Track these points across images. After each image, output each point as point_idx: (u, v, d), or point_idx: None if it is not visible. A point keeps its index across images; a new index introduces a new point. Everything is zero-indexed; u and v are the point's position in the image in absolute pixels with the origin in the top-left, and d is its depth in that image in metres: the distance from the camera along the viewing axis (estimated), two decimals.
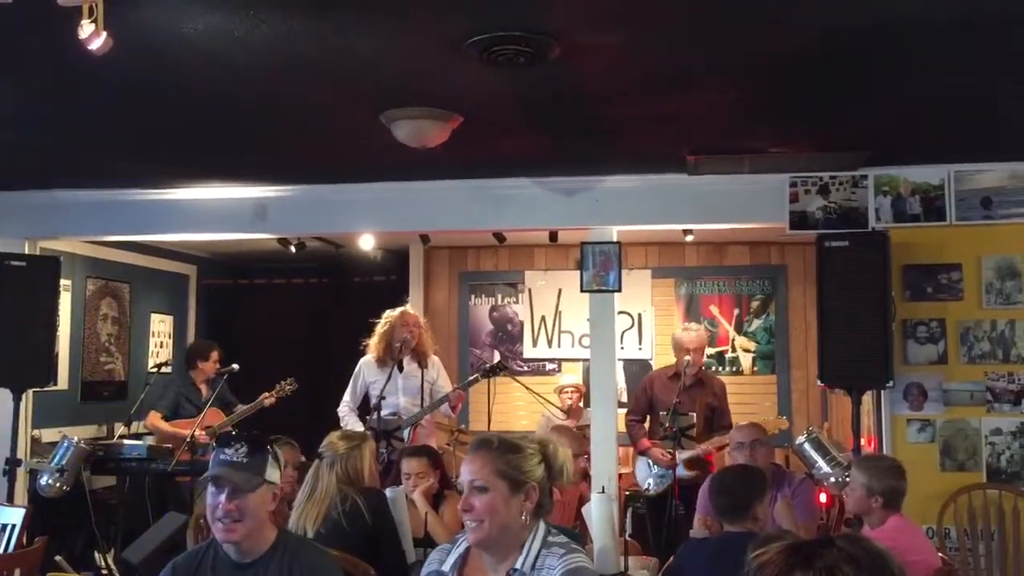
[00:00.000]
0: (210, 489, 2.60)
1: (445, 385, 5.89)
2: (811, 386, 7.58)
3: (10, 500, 5.24)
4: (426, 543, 4.00)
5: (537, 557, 2.25)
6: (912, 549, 3.46)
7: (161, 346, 8.41)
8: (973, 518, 4.90)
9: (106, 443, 6.66)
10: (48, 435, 6.52)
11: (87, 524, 5.84)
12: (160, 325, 8.44)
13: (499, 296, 8.29)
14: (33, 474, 5.77)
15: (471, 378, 6.07)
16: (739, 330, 7.89)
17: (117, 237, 6.67)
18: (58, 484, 5.20)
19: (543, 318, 8.16)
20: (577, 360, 7.92)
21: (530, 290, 8.19)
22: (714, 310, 7.92)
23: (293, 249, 7.49)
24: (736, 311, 7.90)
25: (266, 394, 6.68)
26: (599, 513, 3.51)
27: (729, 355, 7.86)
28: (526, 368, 8.03)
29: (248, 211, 5.87)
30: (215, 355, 6.91)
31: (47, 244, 6.26)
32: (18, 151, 5.04)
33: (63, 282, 6.14)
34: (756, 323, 7.88)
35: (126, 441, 6.60)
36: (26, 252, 5.95)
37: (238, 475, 2.58)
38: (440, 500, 4.33)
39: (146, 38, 3.23)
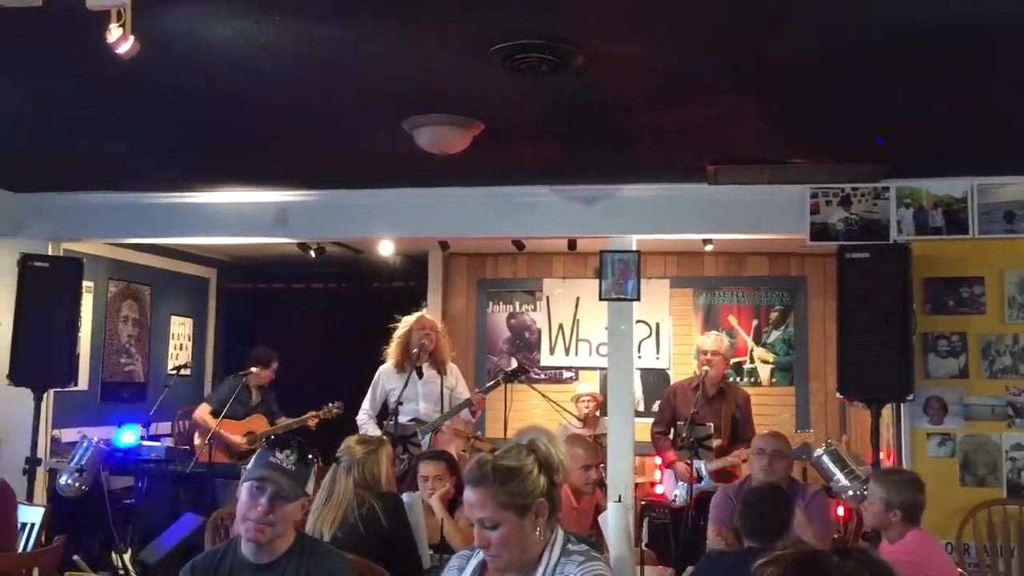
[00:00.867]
0: (249, 488, 2.55)
1: (464, 392, 5.89)
2: (829, 398, 7.53)
3: (30, 499, 5.28)
4: (442, 548, 4.00)
5: (556, 565, 2.24)
6: (931, 564, 3.43)
7: (181, 348, 8.47)
8: (993, 534, 4.85)
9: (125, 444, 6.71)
10: (68, 435, 6.57)
11: (105, 524, 5.88)
12: (180, 328, 8.50)
13: (517, 303, 8.29)
14: (52, 473, 5.82)
15: (492, 382, 6.07)
16: (757, 341, 7.86)
17: (139, 240, 6.73)
18: (77, 484, 5.24)
19: (561, 326, 8.15)
20: (594, 369, 7.91)
21: (548, 298, 8.19)
22: (732, 320, 7.89)
23: (313, 254, 7.53)
24: (755, 322, 7.87)
25: (312, 413, 6.72)
26: (615, 522, 3.50)
27: (747, 366, 7.83)
28: (543, 376, 8.02)
29: (269, 215, 5.90)
30: (275, 365, 7.00)
31: (70, 246, 6.33)
32: (43, 154, 5.10)
33: (85, 283, 6.19)
34: (775, 334, 7.85)
35: (145, 442, 6.64)
36: (49, 253, 6.01)
37: (286, 482, 2.54)
38: (456, 505, 4.33)
39: (172, 43, 3.26)
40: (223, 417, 6.58)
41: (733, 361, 7.68)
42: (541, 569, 2.25)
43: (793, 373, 7.78)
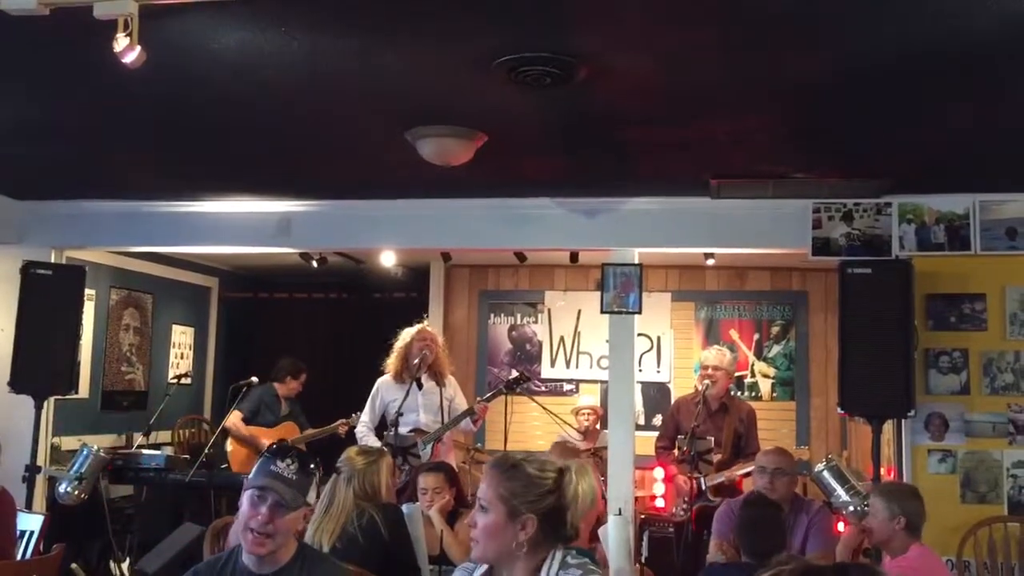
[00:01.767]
0: (250, 496, 2.54)
1: (462, 404, 5.89)
2: (830, 413, 7.52)
3: (29, 507, 5.27)
4: (441, 560, 4.00)
5: None
6: None
7: (182, 357, 8.47)
8: (993, 551, 4.84)
9: (125, 452, 6.71)
10: (68, 443, 6.56)
11: (104, 533, 5.88)
12: (181, 337, 8.50)
13: (518, 315, 8.30)
14: (52, 481, 5.81)
15: (493, 391, 6.06)
16: (759, 355, 7.85)
17: (142, 248, 6.74)
18: (76, 492, 5.22)
19: (562, 338, 8.15)
20: (595, 381, 7.90)
21: (549, 310, 8.19)
22: (734, 335, 7.89)
23: (315, 264, 7.54)
24: (756, 336, 7.87)
25: (341, 421, 6.78)
26: (616, 536, 3.50)
27: (748, 380, 7.82)
28: (544, 388, 8.02)
29: (272, 225, 5.91)
30: (303, 377, 7.20)
31: (73, 253, 6.33)
32: (47, 162, 5.11)
33: (87, 291, 6.19)
34: (776, 349, 7.85)
35: (144, 451, 6.64)
36: (52, 261, 6.01)
37: (288, 491, 2.53)
38: (455, 517, 4.32)
39: (178, 53, 3.28)
40: (255, 423, 6.67)
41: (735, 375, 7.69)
42: None
43: (794, 388, 7.78)
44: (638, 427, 6.17)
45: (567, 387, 8.09)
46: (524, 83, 3.37)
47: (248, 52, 3.29)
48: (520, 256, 7.38)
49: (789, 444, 6.42)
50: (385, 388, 5.84)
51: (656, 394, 7.83)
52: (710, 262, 7.24)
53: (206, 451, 6.36)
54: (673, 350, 7.91)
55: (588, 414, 7.02)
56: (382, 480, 3.78)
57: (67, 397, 5.91)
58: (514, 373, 6.04)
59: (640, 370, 7.41)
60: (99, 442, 6.20)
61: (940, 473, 5.01)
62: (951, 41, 3.03)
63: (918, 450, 5.06)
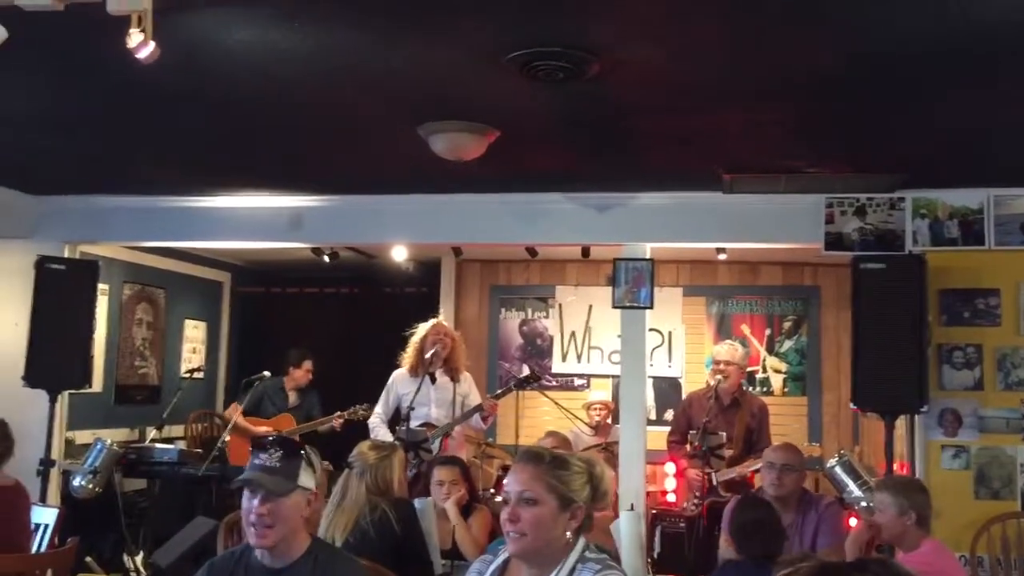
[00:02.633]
0: (244, 493, 2.61)
1: (476, 400, 5.89)
2: (842, 409, 7.50)
3: (43, 501, 5.30)
4: (453, 555, 4.01)
5: (573, 571, 2.25)
6: (947, 573, 3.41)
7: (194, 352, 8.51)
8: (1007, 547, 4.82)
9: (138, 446, 6.75)
10: (82, 437, 6.60)
11: (117, 526, 5.90)
12: (194, 331, 8.54)
13: (529, 310, 8.29)
14: (66, 475, 5.85)
15: (503, 388, 6.07)
16: (770, 350, 7.83)
17: (155, 243, 6.78)
18: (90, 486, 5.26)
19: (573, 333, 8.15)
20: (606, 376, 7.90)
21: (561, 305, 8.18)
22: (745, 330, 7.87)
23: (326, 259, 7.56)
24: (768, 331, 7.85)
25: (338, 414, 6.73)
26: (628, 531, 3.50)
27: (760, 376, 7.80)
28: (555, 383, 8.02)
29: (284, 220, 5.93)
30: (307, 364, 7.10)
31: (86, 248, 6.36)
32: (61, 157, 5.14)
33: (100, 286, 6.22)
34: (788, 344, 7.83)
35: (158, 445, 6.67)
36: (66, 256, 6.04)
37: (270, 479, 2.58)
38: (468, 512, 4.33)
39: (191, 48, 3.29)
40: (251, 415, 6.67)
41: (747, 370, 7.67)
42: (556, 569, 2.25)
43: (806, 383, 7.75)
44: (649, 422, 6.17)
45: (578, 382, 8.08)
46: (537, 78, 3.37)
47: (261, 47, 3.30)
48: (531, 251, 7.38)
49: (801, 440, 6.39)
50: (400, 381, 5.86)
51: (667, 389, 7.82)
52: (722, 257, 7.22)
53: (219, 444, 6.38)
54: (684, 345, 7.90)
55: (599, 409, 7.02)
56: (394, 475, 3.79)
57: (81, 391, 5.94)
58: (526, 370, 6.05)
59: (651, 365, 7.40)
60: (112, 436, 6.23)
61: (953, 469, 5.00)
62: (964, 33, 3.01)
63: (931, 446, 5.04)
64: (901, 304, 4.76)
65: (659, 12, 2.94)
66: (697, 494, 5.70)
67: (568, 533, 2.27)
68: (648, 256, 5.53)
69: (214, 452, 6.27)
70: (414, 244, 6.95)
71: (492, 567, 2.40)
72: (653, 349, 7.71)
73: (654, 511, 6.02)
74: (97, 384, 7.00)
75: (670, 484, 6.44)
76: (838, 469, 4.70)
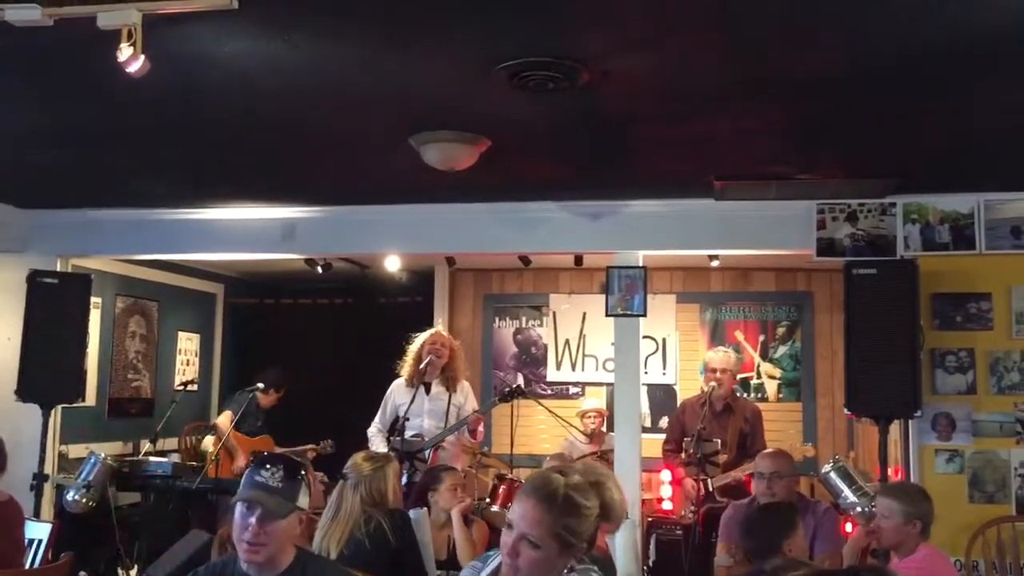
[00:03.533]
0: (240, 508, 2.57)
1: (471, 410, 5.87)
2: (837, 414, 7.51)
3: (37, 515, 5.29)
4: (448, 565, 4.00)
5: None
6: None
7: (188, 364, 8.48)
8: (1002, 551, 4.82)
9: (132, 460, 6.72)
10: (75, 451, 6.58)
11: (112, 540, 5.88)
12: (187, 343, 8.51)
13: (523, 319, 8.29)
14: (60, 490, 5.82)
15: (490, 401, 6.07)
16: (764, 356, 7.84)
17: (148, 256, 6.77)
18: (84, 500, 5.24)
19: (567, 341, 8.15)
20: (601, 384, 7.89)
21: (554, 313, 8.18)
22: (739, 336, 7.88)
23: (320, 269, 7.55)
24: (761, 337, 7.86)
25: (311, 446, 7.05)
26: (623, 540, 3.50)
27: (754, 381, 7.81)
28: (549, 391, 8.01)
29: (276, 231, 5.92)
30: (279, 394, 7.45)
31: (79, 262, 6.35)
32: (52, 170, 5.13)
33: (93, 299, 6.21)
34: (782, 349, 7.83)
35: (151, 458, 6.64)
36: (58, 269, 6.03)
37: (272, 500, 2.54)
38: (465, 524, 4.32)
39: (182, 62, 3.29)
40: (238, 430, 6.76)
41: (740, 376, 7.69)
42: None
43: (800, 389, 7.76)
44: (644, 429, 6.16)
45: (573, 390, 8.08)
46: (527, 88, 3.38)
47: (251, 60, 3.30)
48: (524, 259, 7.38)
49: (795, 441, 6.41)
50: (397, 391, 5.84)
51: (662, 396, 7.83)
52: (715, 263, 7.23)
53: (212, 457, 6.36)
54: (679, 352, 7.90)
55: (594, 417, 7.02)
56: (389, 486, 3.78)
57: (74, 405, 5.92)
58: (520, 379, 6.05)
59: (646, 372, 7.40)
60: (106, 450, 6.22)
61: (948, 473, 5.00)
62: (954, 39, 3.03)
63: (925, 450, 5.05)
64: (893, 309, 4.78)
65: (648, 22, 2.95)
66: (693, 501, 5.70)
67: (565, 569, 2.23)
68: (641, 264, 5.54)
69: (206, 466, 6.25)
70: (407, 254, 6.95)
71: (484, 573, 2.38)
72: (647, 356, 7.71)
73: (650, 519, 6.01)
74: (90, 398, 6.98)
75: (665, 492, 6.45)
76: (833, 475, 4.70)
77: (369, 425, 5.89)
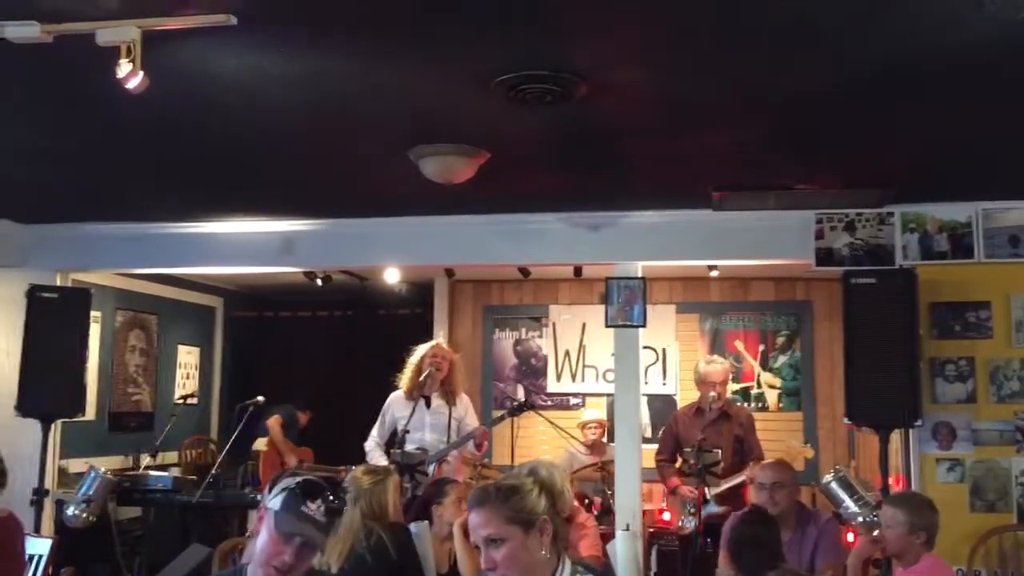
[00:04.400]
0: (277, 535, 2.43)
1: (472, 423, 5.85)
2: (838, 423, 7.50)
3: (37, 531, 5.27)
4: None
5: None
6: None
7: (188, 377, 8.48)
8: (1004, 560, 4.81)
9: (132, 474, 6.72)
10: (75, 465, 6.57)
11: (112, 555, 5.87)
12: (187, 356, 8.52)
13: (523, 330, 8.29)
14: (60, 505, 5.81)
15: (498, 416, 6.05)
16: (764, 366, 7.84)
17: (147, 270, 6.77)
18: (84, 515, 5.22)
19: (567, 352, 8.15)
20: (601, 395, 7.89)
21: (554, 324, 8.19)
22: (739, 345, 7.88)
23: (319, 282, 7.56)
24: (761, 347, 7.86)
25: (343, 468, 7.37)
26: (624, 551, 3.50)
27: (755, 391, 7.81)
28: (550, 402, 8.01)
29: (275, 245, 5.92)
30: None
31: (78, 276, 6.35)
32: (52, 185, 5.14)
33: (93, 314, 6.21)
34: (781, 359, 7.84)
35: (152, 472, 6.64)
36: (57, 284, 6.03)
37: (318, 535, 2.45)
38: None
39: (180, 77, 3.30)
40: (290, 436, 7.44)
41: (740, 386, 7.70)
42: None
43: (801, 398, 7.76)
44: (644, 440, 6.16)
45: (573, 401, 8.08)
46: (525, 101, 3.39)
47: (250, 75, 3.31)
48: (524, 271, 7.39)
49: (795, 445, 6.39)
50: (396, 404, 5.79)
51: (662, 406, 7.82)
52: (714, 273, 7.24)
53: (213, 471, 6.36)
54: (679, 362, 7.90)
55: (594, 428, 7.01)
56: (389, 499, 3.78)
57: (74, 420, 5.91)
58: (520, 390, 6.04)
59: (646, 383, 7.40)
60: (106, 464, 6.22)
61: (949, 482, 5.00)
62: (950, 50, 3.04)
63: (926, 459, 5.05)
64: (892, 318, 4.77)
65: (644, 34, 2.96)
66: (692, 510, 5.70)
67: (544, 551, 2.27)
68: (640, 275, 5.54)
69: (209, 479, 6.24)
70: (406, 266, 6.96)
71: None
72: (647, 367, 7.71)
73: (651, 529, 6.00)
74: (90, 412, 6.98)
75: (665, 503, 6.43)
76: (834, 485, 4.69)
77: (367, 438, 5.88)
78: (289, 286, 8.21)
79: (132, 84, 2.79)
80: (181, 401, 7.90)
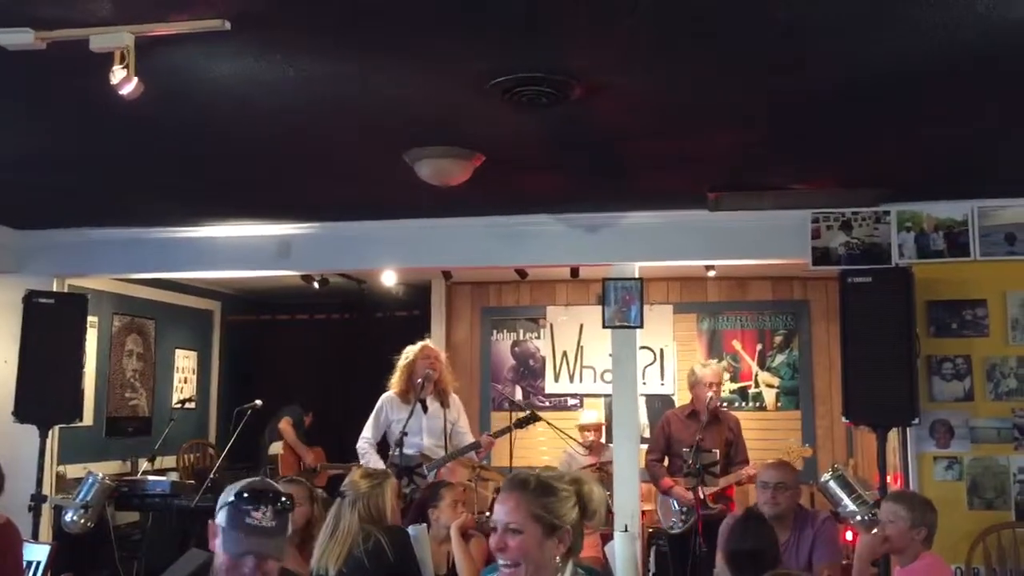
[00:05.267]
0: (227, 557, 2.34)
1: (465, 425, 5.84)
2: (836, 422, 7.51)
3: (35, 537, 5.26)
4: None
5: None
6: None
7: (185, 382, 8.48)
8: (1002, 557, 4.82)
9: (130, 479, 6.71)
10: (73, 471, 6.56)
11: (110, 560, 5.87)
12: (185, 361, 8.51)
13: (521, 331, 8.30)
14: (58, 510, 5.80)
15: (504, 428, 6.04)
16: (762, 365, 7.85)
17: (144, 275, 6.76)
18: (82, 520, 5.21)
19: (565, 353, 8.15)
20: (599, 396, 7.90)
21: (552, 325, 8.19)
22: (736, 345, 7.89)
23: (316, 285, 7.56)
24: (759, 346, 7.87)
25: (356, 464, 7.55)
26: (622, 552, 3.49)
27: (752, 391, 7.81)
28: (548, 403, 8.01)
29: (272, 248, 5.92)
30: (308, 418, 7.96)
31: (75, 281, 6.34)
32: (48, 191, 5.13)
33: (90, 319, 6.21)
34: (779, 358, 7.84)
35: (150, 477, 6.64)
36: (54, 289, 6.02)
37: (271, 543, 2.35)
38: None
39: (175, 82, 3.30)
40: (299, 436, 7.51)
41: (738, 386, 7.70)
42: None
43: (799, 397, 7.77)
44: (643, 440, 6.16)
45: (571, 402, 8.08)
46: (520, 103, 3.39)
47: (245, 79, 3.31)
48: (521, 272, 7.39)
49: (794, 445, 6.39)
50: (390, 406, 5.74)
51: (660, 407, 7.80)
52: (711, 273, 7.24)
53: (212, 475, 6.35)
54: (676, 362, 7.91)
55: (593, 429, 7.01)
56: (387, 502, 3.77)
57: (72, 425, 5.91)
58: (519, 391, 6.02)
59: (644, 383, 7.40)
60: (104, 469, 6.21)
61: (947, 480, 5.00)
62: (945, 50, 3.04)
63: (924, 458, 5.05)
64: (889, 317, 4.78)
65: (639, 36, 2.96)
66: (684, 511, 5.70)
67: (557, 558, 2.26)
68: (637, 275, 5.55)
69: (207, 483, 6.23)
70: (403, 269, 6.96)
71: None
72: (645, 367, 7.72)
73: (649, 530, 6.00)
74: (88, 417, 6.97)
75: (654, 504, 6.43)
76: (832, 483, 4.69)
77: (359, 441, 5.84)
78: (286, 289, 8.21)
79: (126, 90, 2.79)
80: (179, 405, 7.90)
